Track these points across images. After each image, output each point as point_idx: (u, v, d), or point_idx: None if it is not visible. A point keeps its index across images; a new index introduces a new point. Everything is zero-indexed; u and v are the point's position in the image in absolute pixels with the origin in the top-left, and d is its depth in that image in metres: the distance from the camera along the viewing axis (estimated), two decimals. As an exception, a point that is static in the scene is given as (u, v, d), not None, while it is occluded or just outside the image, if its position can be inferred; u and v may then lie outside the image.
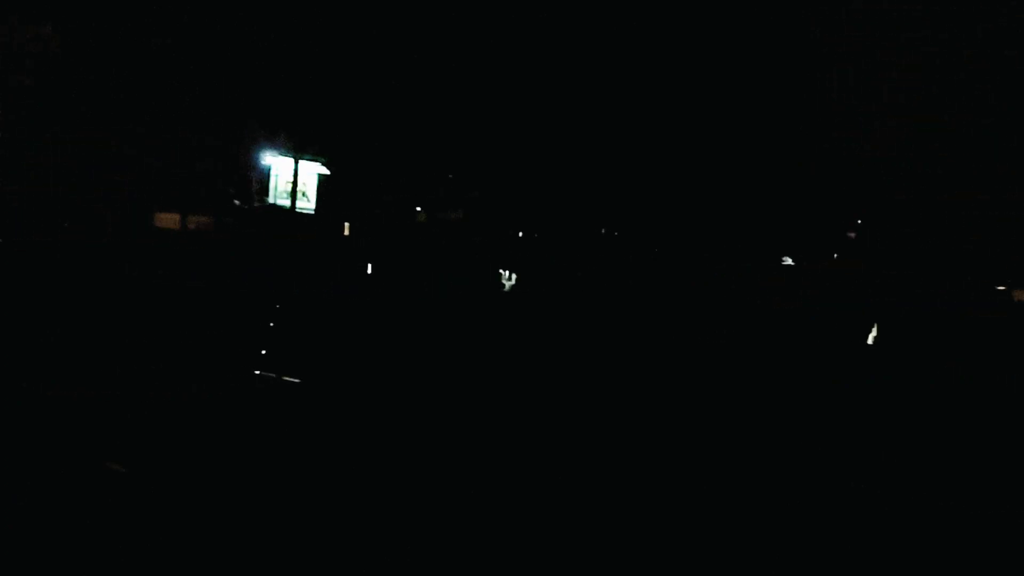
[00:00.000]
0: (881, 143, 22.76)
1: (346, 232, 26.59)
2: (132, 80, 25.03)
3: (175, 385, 8.44)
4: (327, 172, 27.51)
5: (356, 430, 7.36)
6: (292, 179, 27.21)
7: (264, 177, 27.12)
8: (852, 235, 23.71)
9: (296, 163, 27.08)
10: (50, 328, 11.79)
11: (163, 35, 25.06)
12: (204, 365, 9.38)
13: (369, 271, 22.94)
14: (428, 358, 11.50)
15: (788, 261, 23.49)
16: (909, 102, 22.60)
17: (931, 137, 22.01)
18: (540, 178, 25.74)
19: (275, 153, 27.09)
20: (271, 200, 27.19)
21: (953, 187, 21.79)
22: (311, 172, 27.55)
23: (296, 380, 9.19)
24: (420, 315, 16.38)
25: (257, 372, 9.36)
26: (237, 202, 26.24)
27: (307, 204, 27.48)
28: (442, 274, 22.65)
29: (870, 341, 19.79)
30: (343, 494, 5.69)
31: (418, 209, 27.76)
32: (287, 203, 27.19)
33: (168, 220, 25.44)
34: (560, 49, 24.25)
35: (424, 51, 25.19)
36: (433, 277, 22.23)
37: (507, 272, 24.43)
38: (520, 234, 26.44)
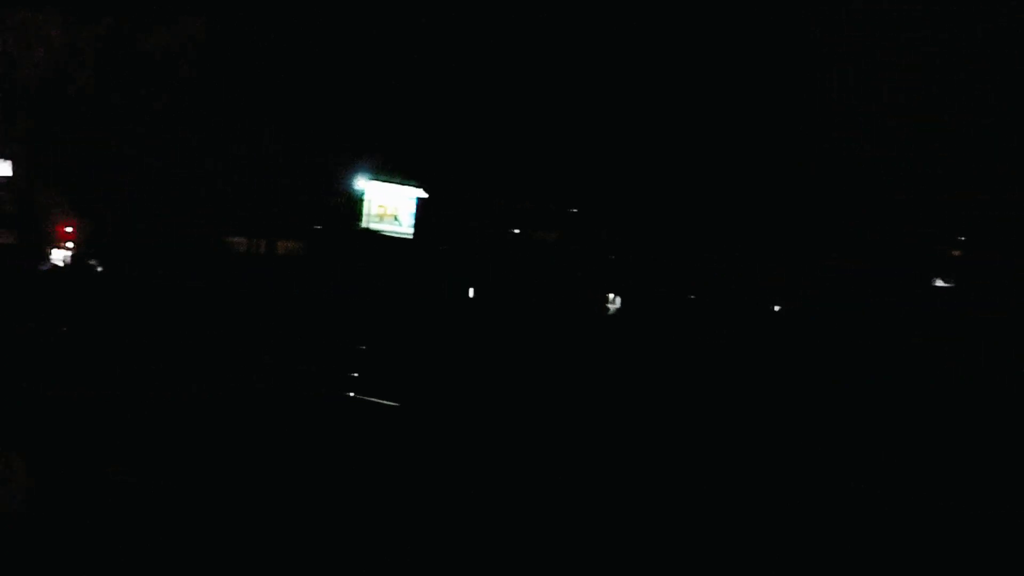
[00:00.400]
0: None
1: (443, 254, 26.34)
2: (228, 102, 25.23)
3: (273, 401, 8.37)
4: (423, 195, 27.18)
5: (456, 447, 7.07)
6: (396, 205, 27.11)
7: (355, 201, 26.97)
8: (957, 253, 22.93)
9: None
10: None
11: (262, 61, 25.27)
12: (298, 385, 9.22)
13: (470, 294, 22.61)
14: (533, 382, 11.02)
15: (939, 283, 22.67)
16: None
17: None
18: (636, 195, 24.79)
19: (367, 177, 26.87)
20: (364, 224, 26.95)
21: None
22: (405, 196, 27.31)
23: (394, 403, 8.87)
24: (523, 340, 15.73)
25: (352, 395, 9.11)
26: (318, 227, 26.26)
27: (399, 228, 27.14)
28: (541, 297, 22.21)
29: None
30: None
31: (515, 231, 27.20)
32: (380, 227, 26.93)
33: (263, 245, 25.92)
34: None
35: (517, 75, 24.91)
36: (532, 300, 21.81)
37: (611, 295, 24.02)
38: (621, 255, 25.34)
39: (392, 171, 26.72)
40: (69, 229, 26.10)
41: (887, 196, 22.67)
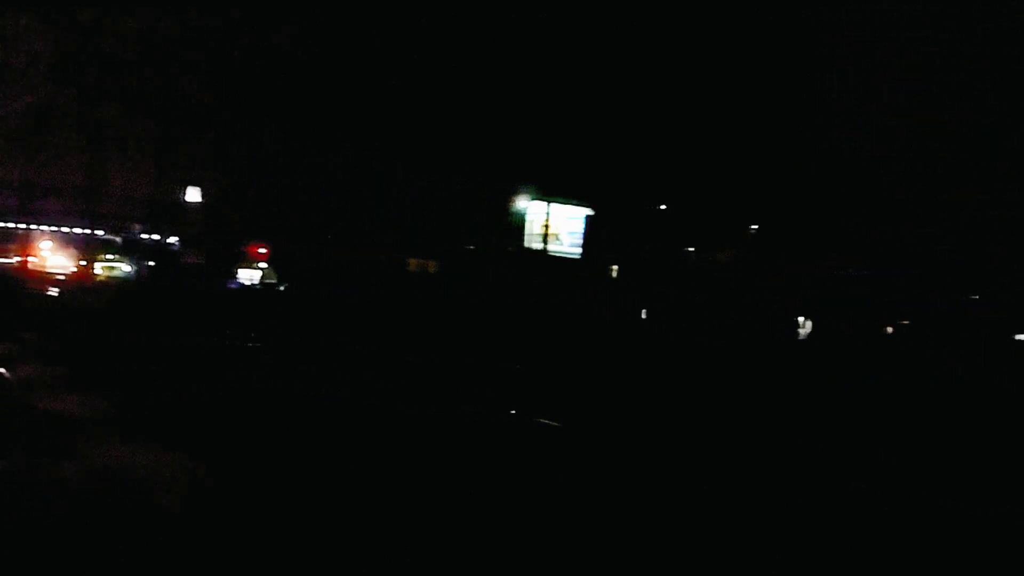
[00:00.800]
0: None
1: (614, 275, 26.09)
2: (394, 128, 25.67)
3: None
4: (591, 214, 27.12)
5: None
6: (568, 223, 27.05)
7: (518, 221, 27.13)
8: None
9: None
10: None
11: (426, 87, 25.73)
12: (456, 402, 9.10)
13: (642, 315, 21.81)
14: (705, 407, 10.57)
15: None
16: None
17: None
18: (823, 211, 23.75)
19: (531, 197, 26.96)
20: (526, 244, 27.04)
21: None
22: (567, 215, 27.29)
23: (556, 423, 8.65)
24: (701, 367, 15.10)
25: (512, 412, 8.93)
26: (471, 247, 26.47)
27: (562, 248, 27.12)
28: (717, 321, 21.28)
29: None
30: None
31: (689, 250, 26.53)
32: (542, 246, 27.03)
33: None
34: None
35: (686, 91, 24.72)
36: (709, 324, 20.88)
37: (802, 319, 22.91)
38: (803, 275, 23.53)
39: (556, 190, 26.70)
40: (262, 250, 27.17)
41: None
